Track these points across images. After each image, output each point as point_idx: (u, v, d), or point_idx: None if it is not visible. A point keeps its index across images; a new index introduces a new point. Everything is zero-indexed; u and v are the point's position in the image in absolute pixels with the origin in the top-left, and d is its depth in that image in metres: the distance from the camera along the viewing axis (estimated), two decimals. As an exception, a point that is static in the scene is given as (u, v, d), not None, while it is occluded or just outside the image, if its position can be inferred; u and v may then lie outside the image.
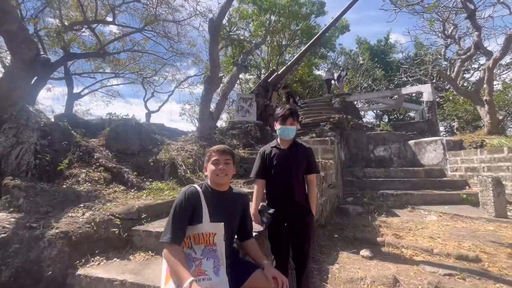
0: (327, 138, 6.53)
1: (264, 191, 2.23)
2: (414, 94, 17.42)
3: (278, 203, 2.08)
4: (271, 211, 2.06)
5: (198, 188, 1.65)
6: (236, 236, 1.84)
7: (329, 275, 2.82)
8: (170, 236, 1.46)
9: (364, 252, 3.43)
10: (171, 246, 1.45)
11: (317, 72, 23.37)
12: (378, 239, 3.84)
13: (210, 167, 1.67)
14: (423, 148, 7.99)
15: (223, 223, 1.58)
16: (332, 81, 15.37)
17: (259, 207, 2.14)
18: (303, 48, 11.95)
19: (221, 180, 1.66)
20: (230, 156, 1.72)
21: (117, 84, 17.89)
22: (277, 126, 2.16)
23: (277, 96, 12.72)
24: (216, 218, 1.58)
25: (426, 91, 11.63)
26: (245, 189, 4.37)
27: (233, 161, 1.75)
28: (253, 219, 2.04)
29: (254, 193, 2.19)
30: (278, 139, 2.21)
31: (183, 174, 4.48)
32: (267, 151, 2.18)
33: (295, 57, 11.75)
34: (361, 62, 19.61)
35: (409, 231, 4.22)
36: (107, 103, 16.91)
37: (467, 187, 6.57)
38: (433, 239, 3.83)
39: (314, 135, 7.90)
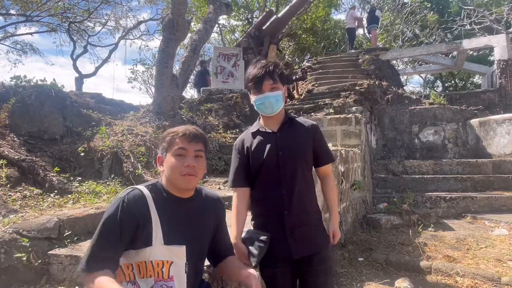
0: (350, 115, 6.53)
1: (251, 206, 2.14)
2: (481, 50, 17.49)
3: (271, 225, 1.99)
4: (264, 237, 1.94)
5: (145, 191, 1.57)
6: (208, 262, 1.81)
7: (349, 317, 2.86)
8: (84, 263, 1.43)
9: (401, 283, 3.48)
10: (87, 276, 1.42)
11: (337, 16, 23.12)
12: (422, 263, 3.91)
13: (171, 160, 1.57)
14: (492, 130, 8.08)
15: (185, 246, 1.54)
16: (360, 31, 15.09)
17: (245, 233, 2.02)
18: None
19: (188, 184, 1.59)
20: (202, 144, 1.63)
21: (30, 33, 17.15)
22: (252, 97, 2.06)
23: (277, 52, 12.57)
24: (174, 239, 1.53)
25: (499, 45, 11.67)
26: (226, 192, 4.37)
27: (205, 153, 1.67)
28: (234, 252, 1.94)
29: (233, 210, 2.10)
30: (261, 120, 2.13)
31: (131, 169, 4.44)
32: (247, 142, 2.10)
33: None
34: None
35: (468, 251, 4.31)
36: (15, 62, 16.27)
37: (553, 187, 6.72)
38: (502, 262, 3.92)
39: (331, 110, 7.89)
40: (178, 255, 1.53)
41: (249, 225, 2.16)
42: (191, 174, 1.56)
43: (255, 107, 2.07)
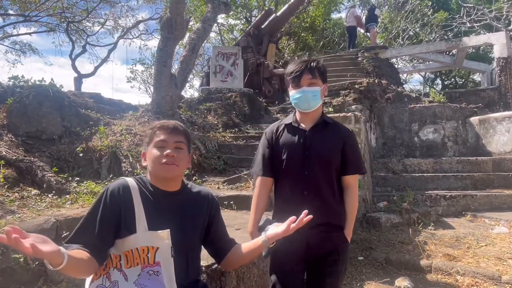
0: (350, 113, 6.50)
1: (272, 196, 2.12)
2: (481, 48, 17.46)
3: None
4: None
5: (130, 181, 1.60)
6: (214, 259, 1.81)
7: (349, 317, 2.85)
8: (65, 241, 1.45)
9: (402, 282, 3.48)
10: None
11: (336, 15, 23.08)
12: (423, 262, 3.90)
13: (152, 152, 1.61)
14: (492, 127, 8.07)
15: (168, 230, 1.54)
16: (361, 30, 15.09)
17: (262, 221, 1.96)
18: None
19: (168, 173, 1.59)
20: (183, 136, 1.66)
21: (29, 33, 17.11)
22: (290, 92, 2.06)
23: (276, 51, 12.56)
24: (158, 226, 1.54)
25: (499, 43, 11.64)
26: (226, 192, 4.36)
27: (188, 146, 1.69)
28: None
29: (254, 198, 2.09)
30: (297, 114, 2.11)
31: (129, 169, 4.44)
32: (277, 132, 2.08)
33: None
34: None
35: (468, 249, 4.30)
36: (14, 62, 16.29)
37: (553, 185, 6.71)
38: (502, 260, 3.90)
39: (330, 109, 7.89)
40: (162, 239, 1.53)
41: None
42: (170, 163, 1.58)
43: (292, 103, 2.07)
